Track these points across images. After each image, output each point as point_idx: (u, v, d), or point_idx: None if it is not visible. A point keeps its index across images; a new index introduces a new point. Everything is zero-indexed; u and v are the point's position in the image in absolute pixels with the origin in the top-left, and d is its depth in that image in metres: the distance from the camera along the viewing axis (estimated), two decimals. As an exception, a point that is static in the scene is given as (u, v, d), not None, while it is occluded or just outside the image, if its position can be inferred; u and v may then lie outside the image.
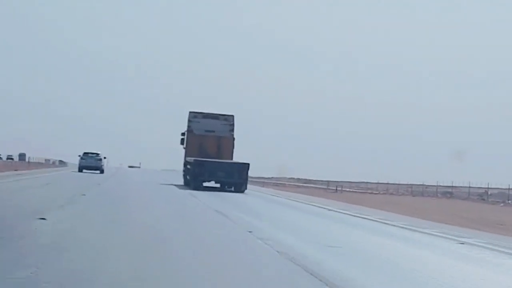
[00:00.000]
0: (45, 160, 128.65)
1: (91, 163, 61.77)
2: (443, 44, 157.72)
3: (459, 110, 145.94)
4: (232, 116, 44.70)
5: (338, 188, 67.50)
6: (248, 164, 39.77)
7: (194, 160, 40.04)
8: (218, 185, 41.61)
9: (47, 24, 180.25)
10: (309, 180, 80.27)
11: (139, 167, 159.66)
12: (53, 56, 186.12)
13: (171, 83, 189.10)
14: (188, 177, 42.75)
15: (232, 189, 40.40)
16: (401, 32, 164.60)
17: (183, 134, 45.36)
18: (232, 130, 44.20)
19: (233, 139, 43.95)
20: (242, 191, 39.22)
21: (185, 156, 44.93)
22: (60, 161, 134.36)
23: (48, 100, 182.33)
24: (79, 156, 62.97)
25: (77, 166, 63.71)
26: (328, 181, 75.90)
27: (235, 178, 39.39)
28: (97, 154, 62.78)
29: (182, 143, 45.52)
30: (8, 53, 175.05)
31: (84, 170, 60.52)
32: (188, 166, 42.55)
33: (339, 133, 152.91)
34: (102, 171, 61.00)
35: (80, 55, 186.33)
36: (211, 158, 41.02)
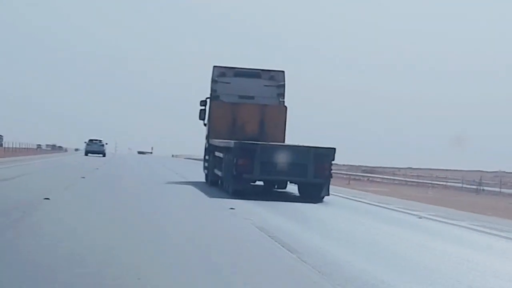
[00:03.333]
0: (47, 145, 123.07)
1: (95, 148, 70.96)
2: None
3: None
4: (282, 72, 27.93)
5: None
6: (334, 149, 22.13)
7: (236, 143, 22.33)
8: (261, 183, 25.23)
9: (52, 10, 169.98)
10: (368, 167, 63.45)
11: (151, 152, 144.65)
12: (64, 46, 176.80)
13: (183, 65, 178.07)
14: (217, 171, 25.72)
15: (290, 189, 24.28)
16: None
17: (203, 103, 28.53)
18: (283, 94, 27.56)
19: (285, 108, 27.39)
20: (321, 199, 21.84)
21: (208, 137, 28.20)
22: (53, 146, 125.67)
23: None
24: (85, 142, 73.26)
25: (82, 150, 73.69)
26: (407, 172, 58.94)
27: (308, 176, 21.55)
28: (100, 140, 72.65)
29: (201, 117, 28.79)
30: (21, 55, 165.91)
31: (89, 154, 69.13)
32: (218, 154, 25.46)
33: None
34: (104, 155, 69.99)
35: (96, 43, 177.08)
36: (251, 140, 24.35)
